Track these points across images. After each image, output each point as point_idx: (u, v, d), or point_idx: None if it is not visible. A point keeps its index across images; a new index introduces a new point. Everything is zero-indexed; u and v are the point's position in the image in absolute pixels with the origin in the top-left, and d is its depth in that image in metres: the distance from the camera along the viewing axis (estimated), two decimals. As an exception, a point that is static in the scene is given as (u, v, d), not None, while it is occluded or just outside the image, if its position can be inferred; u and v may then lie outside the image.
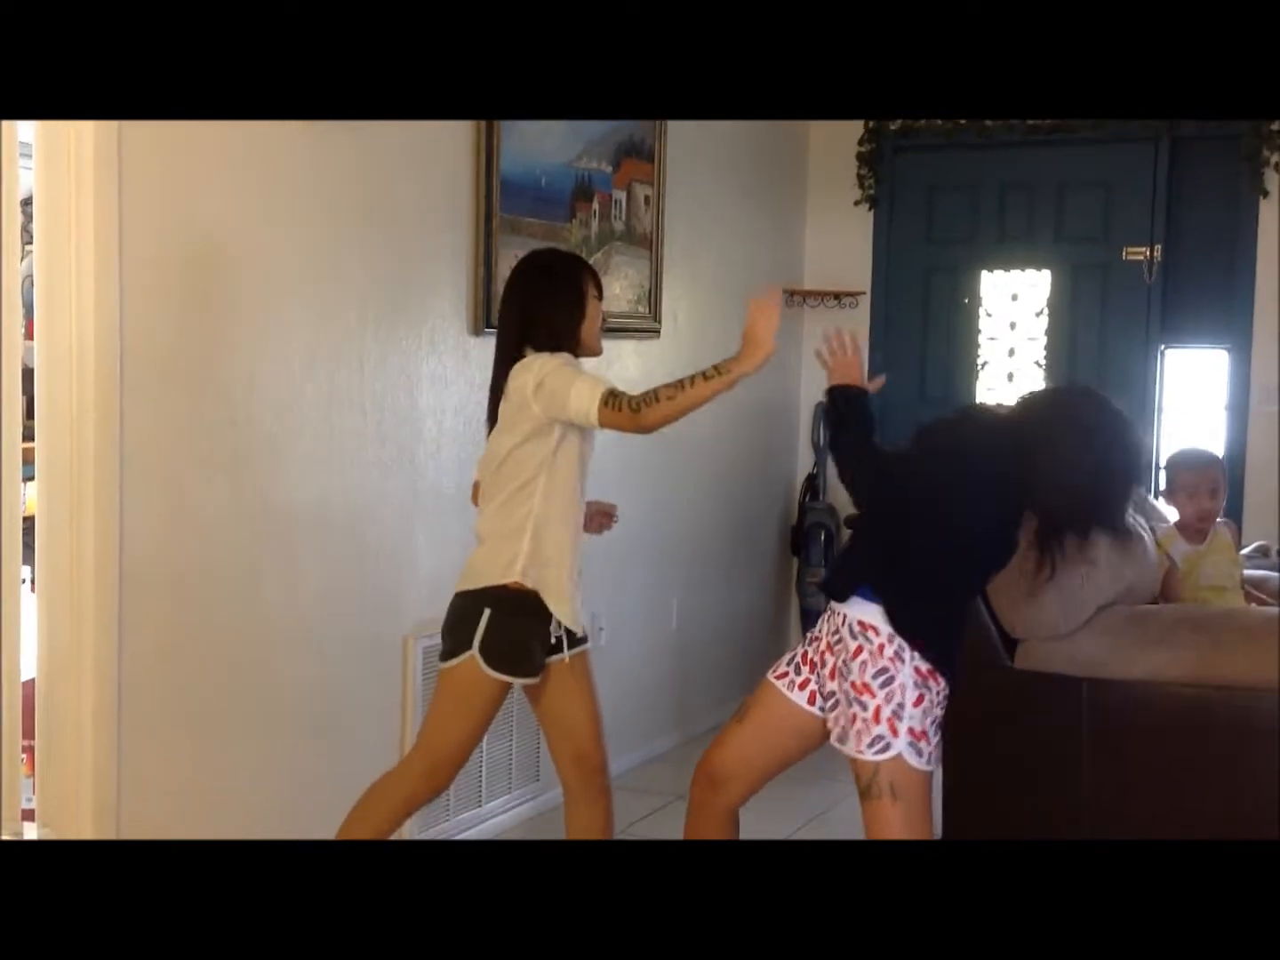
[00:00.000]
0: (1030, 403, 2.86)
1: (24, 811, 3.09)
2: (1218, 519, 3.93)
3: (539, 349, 2.90)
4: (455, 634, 2.92)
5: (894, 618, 2.66)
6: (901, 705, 2.64)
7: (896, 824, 2.65)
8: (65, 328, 2.90)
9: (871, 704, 2.65)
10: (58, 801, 2.96)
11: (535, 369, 2.84)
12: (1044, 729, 3.44)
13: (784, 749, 2.85)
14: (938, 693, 2.69)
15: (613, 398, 2.78)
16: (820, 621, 2.85)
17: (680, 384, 2.80)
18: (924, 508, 2.70)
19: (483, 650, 2.87)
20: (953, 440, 2.78)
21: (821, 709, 2.78)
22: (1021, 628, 3.44)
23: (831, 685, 2.75)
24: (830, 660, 2.76)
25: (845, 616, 2.73)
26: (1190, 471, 3.92)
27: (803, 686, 2.81)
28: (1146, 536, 3.77)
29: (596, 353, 3.02)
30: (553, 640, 2.96)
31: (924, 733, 2.66)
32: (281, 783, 3.43)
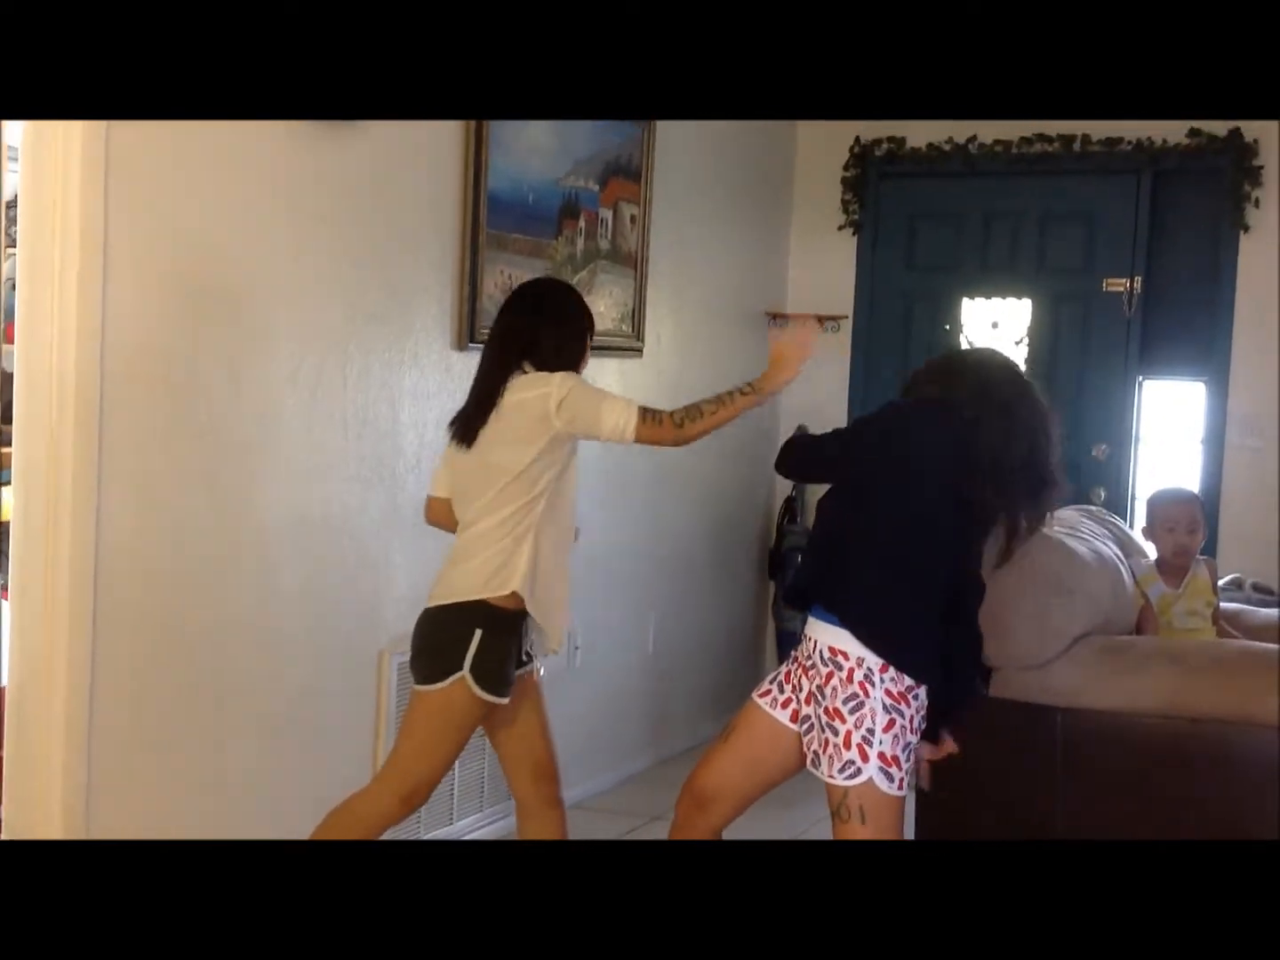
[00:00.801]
0: (954, 386, 2.84)
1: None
2: (1197, 556, 3.96)
3: (541, 369, 2.89)
4: (443, 655, 2.83)
5: (855, 632, 2.68)
6: (871, 731, 2.65)
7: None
8: (47, 332, 2.88)
9: (842, 729, 2.66)
10: (26, 809, 2.94)
11: (556, 384, 2.83)
12: (1019, 757, 3.45)
13: (768, 769, 2.84)
14: (910, 716, 2.69)
15: (650, 414, 2.85)
16: (800, 644, 2.85)
17: (720, 399, 2.89)
18: (862, 514, 2.74)
19: (474, 671, 2.81)
20: (882, 439, 2.78)
21: (803, 729, 2.78)
22: (997, 656, 3.45)
23: (807, 710, 2.76)
24: (806, 684, 2.77)
25: (816, 642, 2.75)
26: (1168, 508, 3.96)
27: (785, 705, 2.81)
28: (1123, 568, 3.79)
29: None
30: (523, 656, 2.96)
31: (895, 758, 2.66)
32: (253, 792, 3.41)
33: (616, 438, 2.85)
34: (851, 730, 2.65)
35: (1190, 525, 3.92)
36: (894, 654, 2.68)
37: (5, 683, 3.00)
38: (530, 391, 2.84)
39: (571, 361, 2.95)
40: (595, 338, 4.44)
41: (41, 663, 2.93)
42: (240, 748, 3.37)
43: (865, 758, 2.64)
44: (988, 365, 2.92)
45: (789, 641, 5.18)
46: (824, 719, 2.68)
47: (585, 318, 3.03)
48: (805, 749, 2.75)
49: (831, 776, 2.67)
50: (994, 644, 3.44)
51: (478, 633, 2.82)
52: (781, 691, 2.82)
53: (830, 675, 2.69)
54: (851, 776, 2.65)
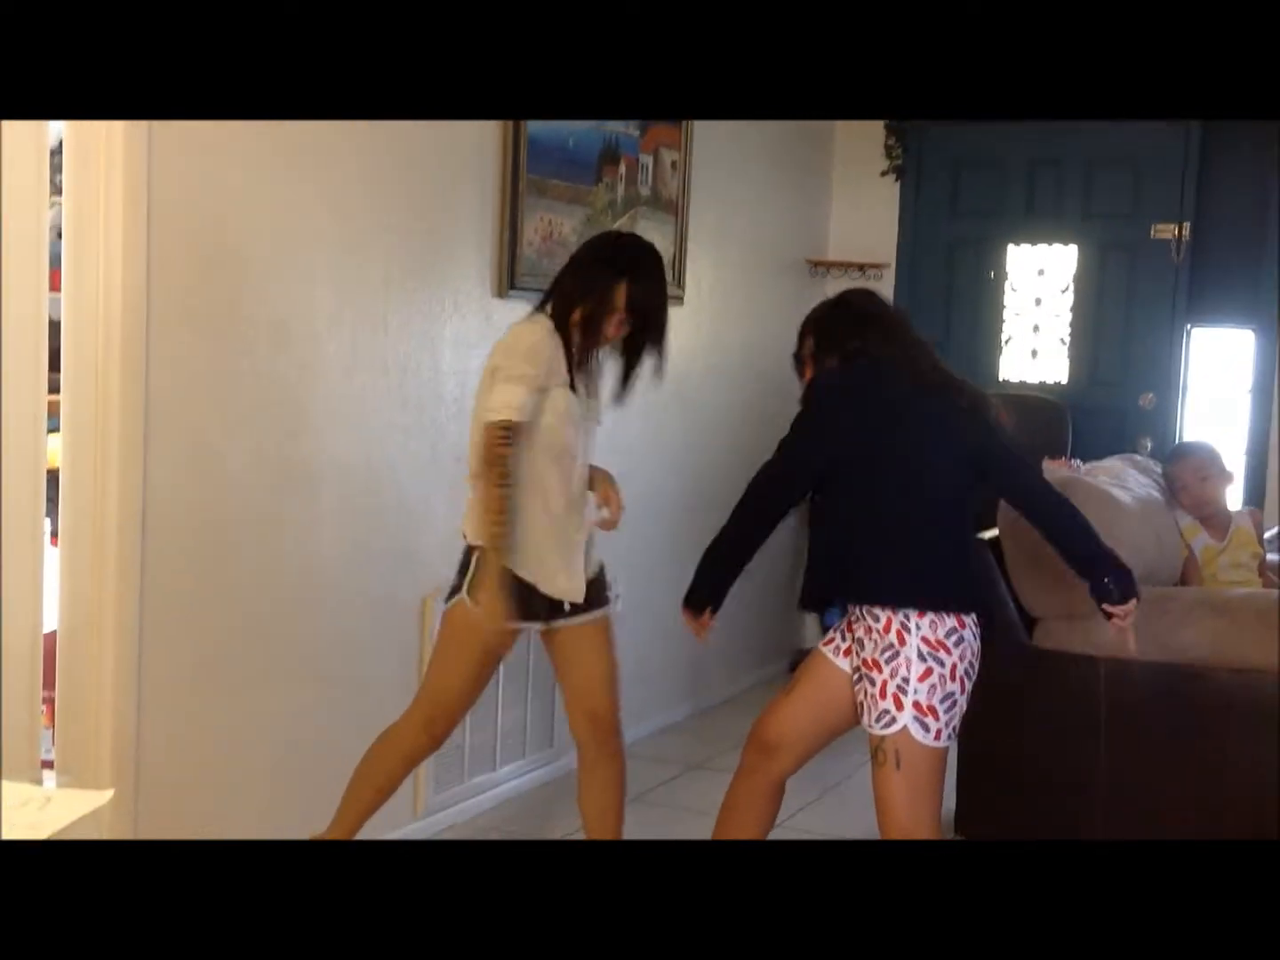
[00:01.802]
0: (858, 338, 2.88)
1: (43, 762, 3.11)
2: (1242, 508, 3.93)
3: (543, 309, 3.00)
4: (457, 578, 3.01)
5: (885, 604, 2.69)
6: (906, 680, 2.66)
7: (900, 793, 2.69)
8: (93, 280, 2.89)
9: (878, 679, 2.69)
10: (78, 751, 2.98)
11: (497, 348, 2.97)
12: (1062, 707, 3.45)
13: (832, 716, 2.87)
14: (952, 665, 2.68)
15: (494, 428, 2.87)
16: None
17: (500, 486, 2.88)
18: (850, 499, 2.80)
19: (470, 592, 2.93)
20: (833, 428, 2.82)
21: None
22: (1041, 606, 3.44)
23: (852, 660, 2.79)
24: (850, 636, 2.80)
25: None
26: (1176, 465, 3.98)
27: (846, 654, 2.84)
28: (1168, 517, 3.76)
29: (609, 338, 3.02)
30: (554, 603, 2.99)
31: (931, 708, 2.67)
32: (298, 737, 3.44)
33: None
34: (887, 680, 2.67)
35: (1200, 474, 3.90)
36: (928, 602, 2.69)
37: (56, 628, 3.04)
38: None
39: (560, 312, 2.95)
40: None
41: (91, 609, 2.96)
42: (286, 692, 3.40)
43: (900, 706, 2.66)
44: (874, 306, 2.96)
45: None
46: (863, 670, 2.72)
47: (607, 267, 2.94)
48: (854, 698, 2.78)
49: (870, 726, 2.70)
50: (1036, 595, 3.44)
51: (475, 556, 2.94)
52: (844, 640, 2.86)
53: (869, 629, 2.71)
54: (887, 725, 2.68)
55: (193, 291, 3.08)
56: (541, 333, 2.93)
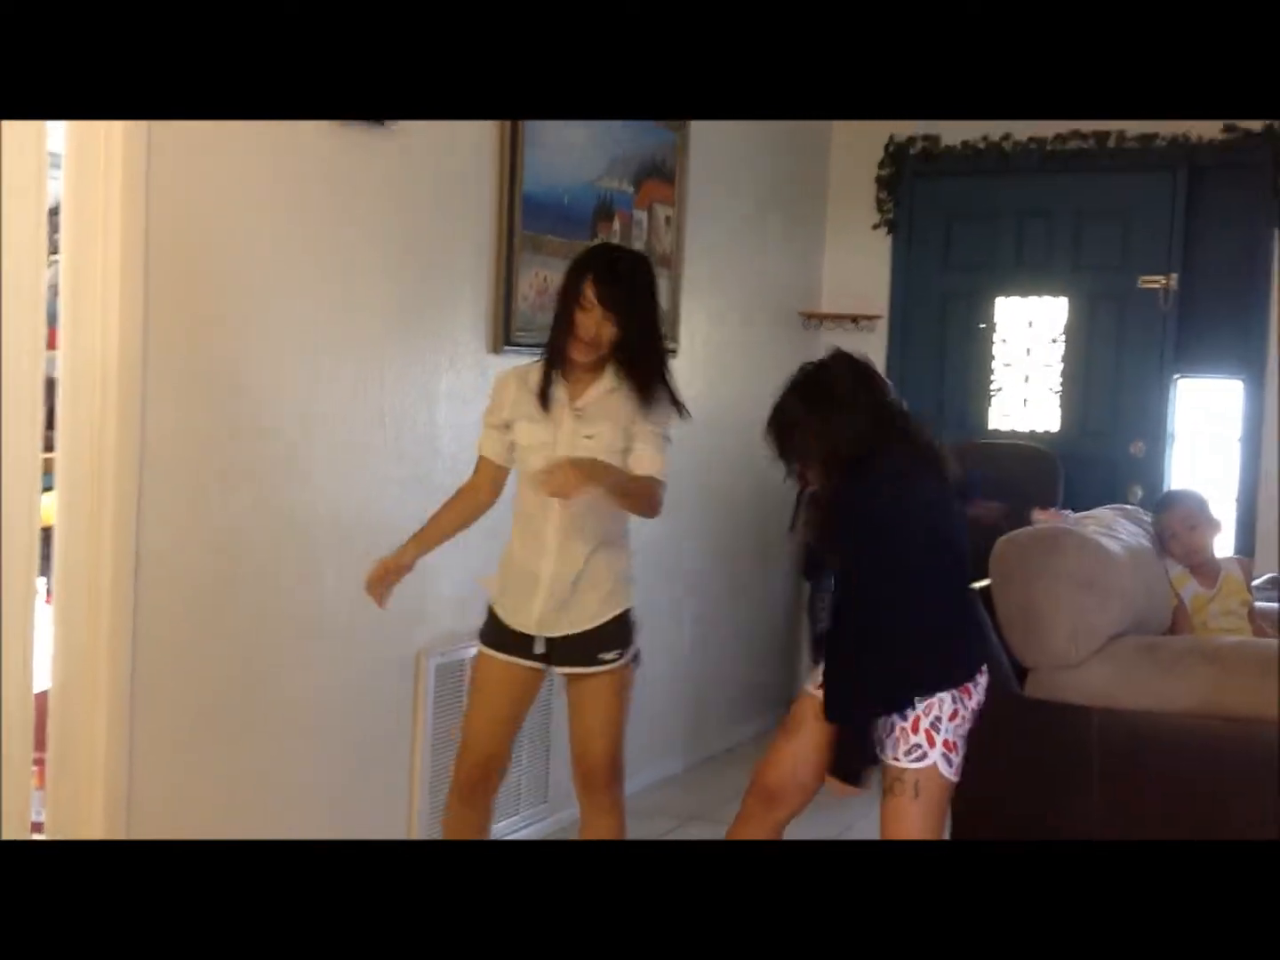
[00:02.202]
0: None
1: (33, 824, 3.10)
2: (1231, 556, 3.95)
3: None
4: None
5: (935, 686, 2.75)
6: (939, 719, 2.75)
7: (915, 820, 2.75)
8: (90, 337, 2.91)
9: (911, 715, 2.75)
10: (70, 813, 2.97)
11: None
12: (1055, 758, 3.45)
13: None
14: (972, 708, 2.81)
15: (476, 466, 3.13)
16: None
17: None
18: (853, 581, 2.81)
19: (481, 633, 3.13)
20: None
21: None
22: (1032, 656, 3.45)
23: None
24: None
25: None
26: (1165, 514, 4.02)
27: None
28: (1159, 566, 3.78)
29: (574, 356, 2.96)
30: (524, 638, 3.03)
31: (955, 744, 2.78)
32: (293, 796, 3.44)
33: None
34: (920, 716, 2.74)
35: (1188, 522, 3.92)
36: (964, 675, 2.78)
37: (47, 686, 3.04)
38: None
39: (550, 344, 3.00)
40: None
41: (84, 666, 2.96)
42: (281, 748, 3.40)
43: (932, 743, 2.74)
44: (845, 387, 2.85)
45: (824, 641, 5.19)
46: None
47: (565, 290, 2.95)
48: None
49: (897, 759, 2.75)
50: (1028, 644, 3.45)
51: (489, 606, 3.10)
52: None
53: None
54: (918, 760, 2.74)
55: (190, 348, 3.11)
56: (506, 374, 3.11)
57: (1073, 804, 3.39)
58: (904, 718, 2.74)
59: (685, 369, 4.87)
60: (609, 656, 3.03)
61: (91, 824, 2.97)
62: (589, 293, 2.90)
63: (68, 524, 2.96)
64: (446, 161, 3.78)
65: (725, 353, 5.14)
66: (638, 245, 4.57)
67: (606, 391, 2.98)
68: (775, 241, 5.45)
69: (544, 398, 2.97)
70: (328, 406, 3.47)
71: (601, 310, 2.90)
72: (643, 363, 2.97)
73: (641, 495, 3.01)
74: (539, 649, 3.03)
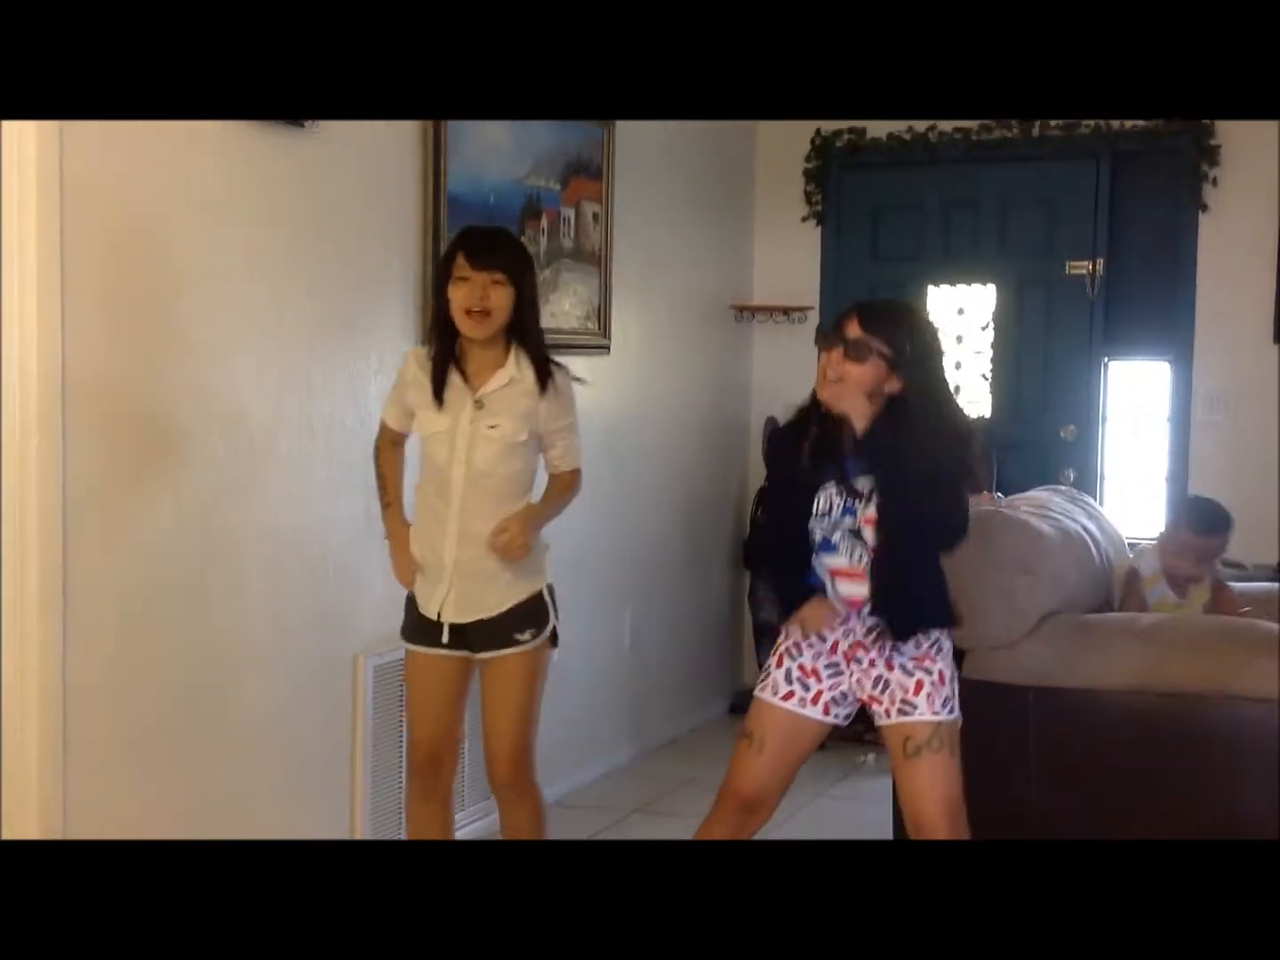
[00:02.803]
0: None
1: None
2: (1221, 581, 3.94)
3: None
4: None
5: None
6: (955, 669, 2.87)
7: (954, 773, 2.83)
8: (6, 351, 2.87)
9: (935, 669, 2.82)
10: (4, 830, 2.93)
11: None
12: (991, 738, 3.47)
13: (801, 759, 2.97)
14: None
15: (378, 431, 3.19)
16: (806, 638, 2.87)
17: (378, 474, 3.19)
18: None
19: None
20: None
21: (837, 715, 2.90)
22: (967, 638, 3.47)
23: (874, 674, 2.83)
24: (865, 655, 2.84)
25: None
26: (1205, 536, 3.87)
27: (815, 699, 2.88)
28: (1092, 544, 3.81)
29: (467, 333, 2.98)
30: (434, 618, 3.04)
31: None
32: (231, 806, 3.41)
33: None
34: (944, 669, 2.83)
35: (1206, 557, 3.86)
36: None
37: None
38: None
39: (435, 323, 3.06)
40: (561, 336, 4.52)
41: (13, 686, 2.92)
42: (217, 758, 3.37)
43: (955, 694, 2.86)
44: None
45: (765, 632, 5.20)
46: (911, 665, 2.81)
47: (443, 267, 3.03)
48: (876, 709, 2.84)
49: (936, 713, 2.80)
50: (963, 625, 3.47)
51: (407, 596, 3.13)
52: (807, 689, 2.87)
53: (914, 630, 2.81)
54: (951, 711, 2.83)
55: (110, 359, 3.08)
56: (410, 355, 3.13)
57: (1011, 783, 3.43)
58: (929, 672, 2.81)
59: (617, 365, 4.88)
60: (523, 637, 3.03)
61: (25, 838, 2.93)
62: (465, 264, 2.94)
63: (-9, 538, 2.92)
64: (369, 162, 3.76)
65: (657, 348, 5.15)
66: (566, 243, 4.57)
67: (507, 382, 3.00)
68: (704, 236, 5.47)
69: (439, 389, 2.99)
70: (254, 414, 3.44)
71: (486, 274, 2.92)
72: (535, 348, 3.01)
73: (568, 495, 3.16)
74: (446, 637, 3.03)
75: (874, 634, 2.82)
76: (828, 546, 2.84)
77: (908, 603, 2.81)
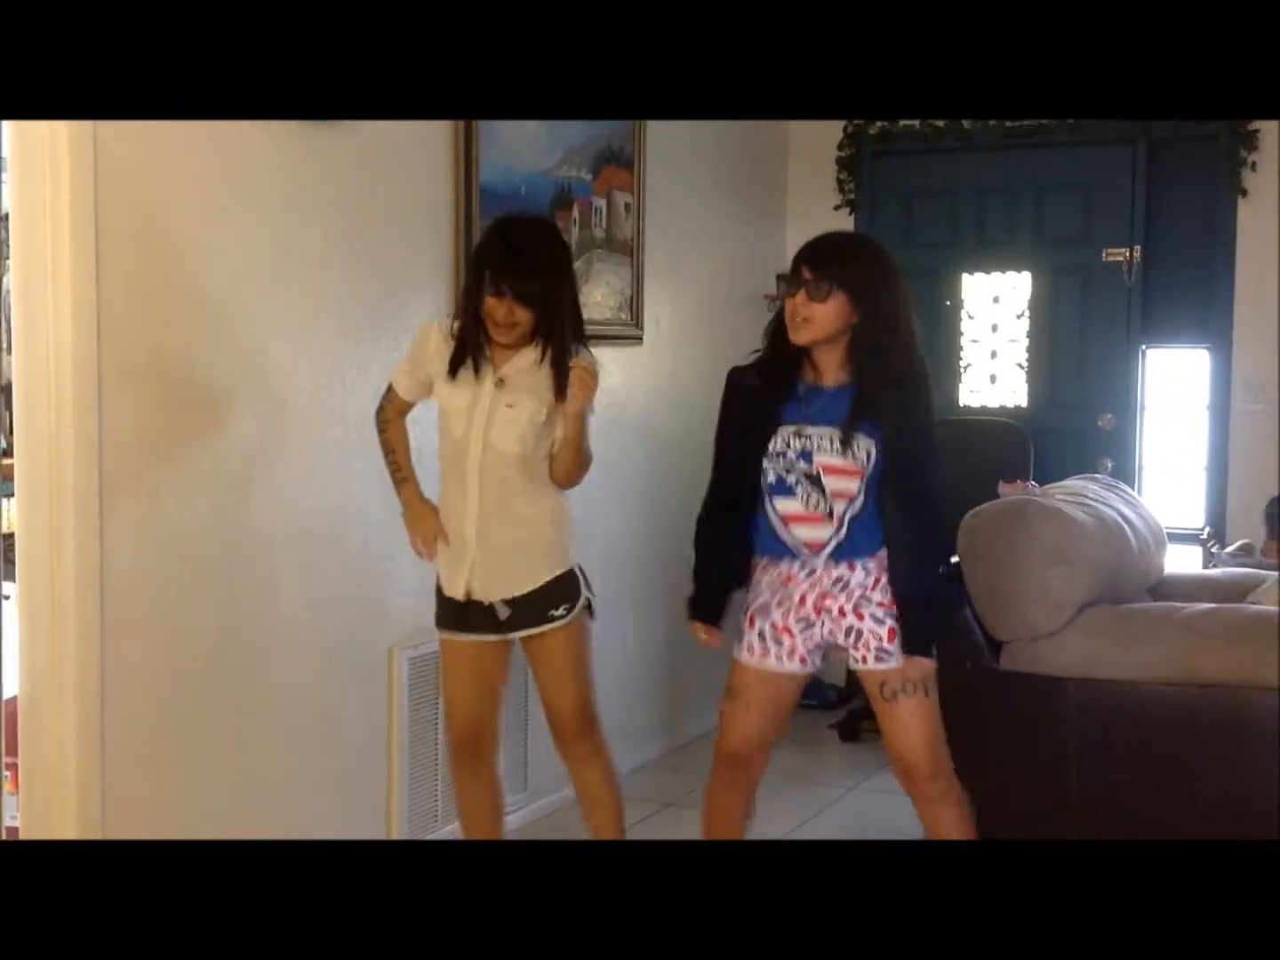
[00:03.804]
0: None
1: (8, 829, 3.08)
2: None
3: None
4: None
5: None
6: None
7: (932, 711, 2.88)
8: (43, 341, 2.89)
9: None
10: (42, 818, 2.95)
11: None
12: (1031, 730, 3.45)
13: (787, 710, 3.05)
14: None
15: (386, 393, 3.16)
16: (774, 595, 2.92)
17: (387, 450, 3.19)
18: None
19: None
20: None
21: (814, 661, 2.97)
22: (1004, 629, 3.45)
23: (845, 624, 2.88)
24: (834, 605, 2.88)
25: (847, 564, 2.87)
26: None
27: (791, 654, 2.94)
28: (1131, 532, 3.77)
29: (494, 338, 2.98)
30: (459, 599, 3.04)
31: None
32: (268, 795, 3.42)
33: None
34: None
35: None
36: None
37: (12, 693, 3.01)
38: None
39: (462, 311, 3.03)
40: (594, 327, 4.49)
41: (51, 672, 2.94)
42: (253, 748, 3.38)
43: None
44: None
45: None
46: (881, 612, 2.85)
47: (472, 270, 3.02)
48: (852, 654, 2.89)
49: (911, 658, 2.85)
50: (1000, 617, 3.45)
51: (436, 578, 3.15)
52: (781, 644, 2.94)
53: (877, 580, 2.86)
54: (928, 654, 2.87)
55: (145, 348, 3.08)
56: (430, 326, 3.10)
57: (1050, 775, 3.40)
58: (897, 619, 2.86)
59: (649, 354, 4.86)
60: (557, 613, 3.06)
61: (65, 828, 2.95)
62: (494, 287, 2.91)
63: (29, 529, 2.94)
64: (401, 153, 3.75)
65: (689, 337, 5.13)
66: (598, 233, 4.55)
67: (531, 364, 2.99)
68: (737, 224, 5.44)
69: (457, 365, 2.99)
70: (287, 405, 3.44)
71: (510, 300, 2.91)
72: (558, 341, 2.98)
73: (585, 457, 3.08)
74: (477, 620, 3.04)
75: (840, 584, 2.87)
76: (781, 488, 2.87)
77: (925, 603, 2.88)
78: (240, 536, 3.33)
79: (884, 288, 2.82)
